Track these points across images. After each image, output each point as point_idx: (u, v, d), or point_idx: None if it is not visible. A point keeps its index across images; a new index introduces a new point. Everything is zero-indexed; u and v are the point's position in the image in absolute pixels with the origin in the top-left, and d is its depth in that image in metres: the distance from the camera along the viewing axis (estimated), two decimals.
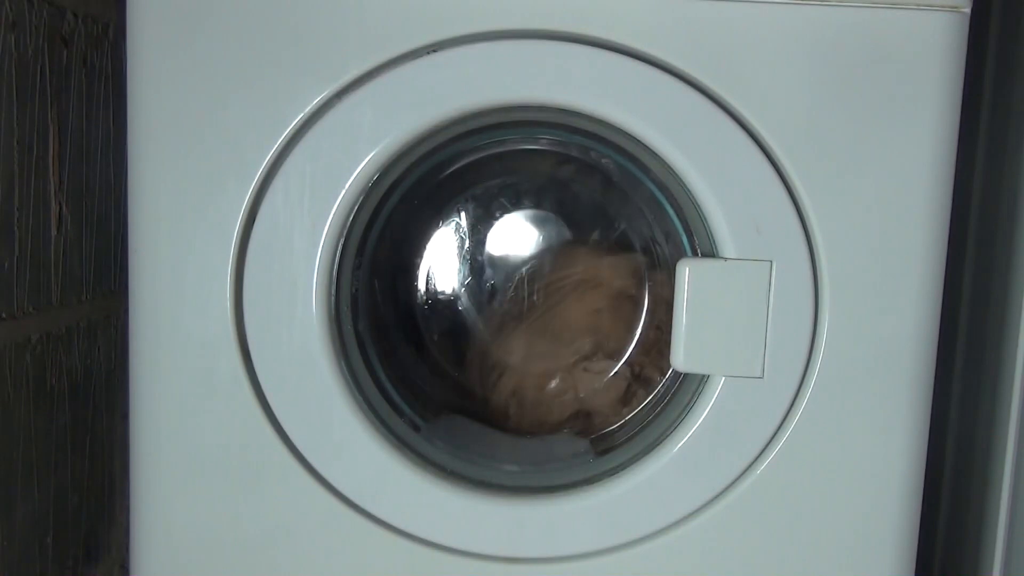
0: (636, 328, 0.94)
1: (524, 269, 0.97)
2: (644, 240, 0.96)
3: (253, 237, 0.69)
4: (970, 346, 0.90)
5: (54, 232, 0.78)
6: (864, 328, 0.69)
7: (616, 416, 0.91)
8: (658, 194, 0.86)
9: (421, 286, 0.97)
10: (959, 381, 0.92)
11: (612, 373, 0.92)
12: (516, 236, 0.99)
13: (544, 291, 0.95)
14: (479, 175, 0.96)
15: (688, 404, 0.73)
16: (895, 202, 0.68)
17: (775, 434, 0.71)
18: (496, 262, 0.99)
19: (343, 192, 0.69)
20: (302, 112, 0.68)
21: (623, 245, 0.97)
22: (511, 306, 0.97)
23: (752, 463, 0.71)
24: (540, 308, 0.95)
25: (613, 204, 0.98)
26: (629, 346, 0.93)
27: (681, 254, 0.80)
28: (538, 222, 1.00)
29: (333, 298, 0.72)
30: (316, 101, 0.68)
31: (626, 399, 0.92)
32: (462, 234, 0.97)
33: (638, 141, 0.69)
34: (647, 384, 0.92)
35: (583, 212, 1.01)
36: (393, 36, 0.68)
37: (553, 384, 0.93)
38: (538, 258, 0.96)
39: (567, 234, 1.00)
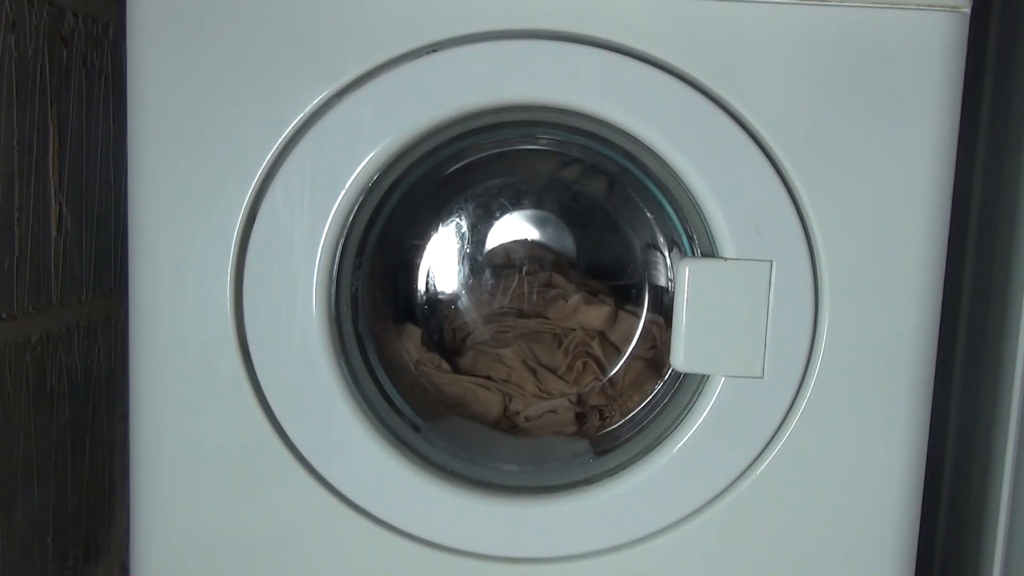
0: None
1: (518, 280, 0.98)
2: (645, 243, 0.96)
3: (253, 237, 0.69)
4: (970, 346, 0.90)
5: (54, 232, 0.78)
6: (864, 328, 0.69)
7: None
8: (658, 194, 0.86)
9: (421, 286, 0.97)
10: (959, 381, 0.92)
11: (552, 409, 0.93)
12: (515, 237, 0.99)
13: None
14: (479, 175, 0.96)
15: (688, 404, 0.73)
16: (895, 202, 0.68)
17: (775, 434, 0.71)
18: (495, 262, 0.99)
19: (343, 192, 0.69)
20: (302, 112, 0.68)
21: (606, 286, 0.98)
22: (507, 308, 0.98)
23: (752, 463, 0.71)
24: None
25: (613, 204, 0.98)
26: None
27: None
28: (538, 222, 1.00)
29: (333, 298, 0.72)
30: (316, 101, 0.68)
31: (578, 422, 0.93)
32: (462, 234, 0.97)
33: (638, 141, 0.69)
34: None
35: (583, 212, 1.01)
36: (393, 36, 0.68)
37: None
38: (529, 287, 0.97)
39: (566, 237, 1.00)
